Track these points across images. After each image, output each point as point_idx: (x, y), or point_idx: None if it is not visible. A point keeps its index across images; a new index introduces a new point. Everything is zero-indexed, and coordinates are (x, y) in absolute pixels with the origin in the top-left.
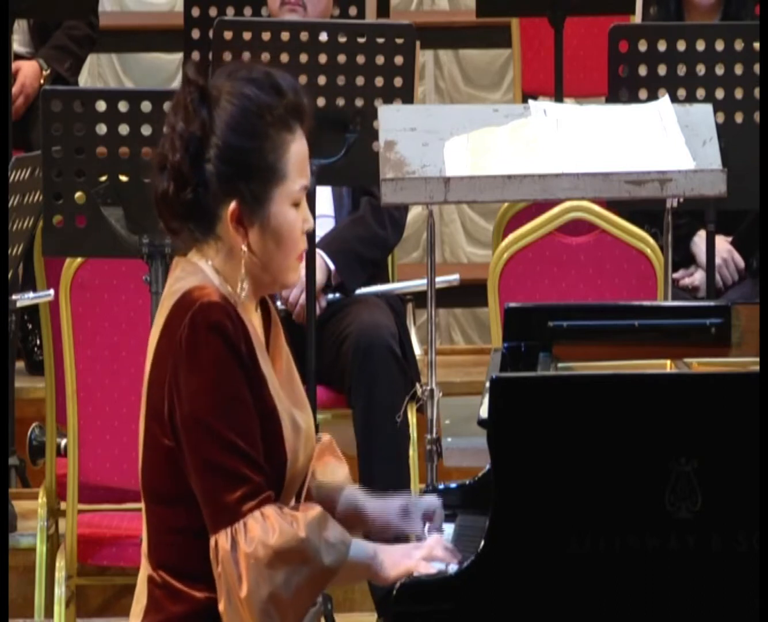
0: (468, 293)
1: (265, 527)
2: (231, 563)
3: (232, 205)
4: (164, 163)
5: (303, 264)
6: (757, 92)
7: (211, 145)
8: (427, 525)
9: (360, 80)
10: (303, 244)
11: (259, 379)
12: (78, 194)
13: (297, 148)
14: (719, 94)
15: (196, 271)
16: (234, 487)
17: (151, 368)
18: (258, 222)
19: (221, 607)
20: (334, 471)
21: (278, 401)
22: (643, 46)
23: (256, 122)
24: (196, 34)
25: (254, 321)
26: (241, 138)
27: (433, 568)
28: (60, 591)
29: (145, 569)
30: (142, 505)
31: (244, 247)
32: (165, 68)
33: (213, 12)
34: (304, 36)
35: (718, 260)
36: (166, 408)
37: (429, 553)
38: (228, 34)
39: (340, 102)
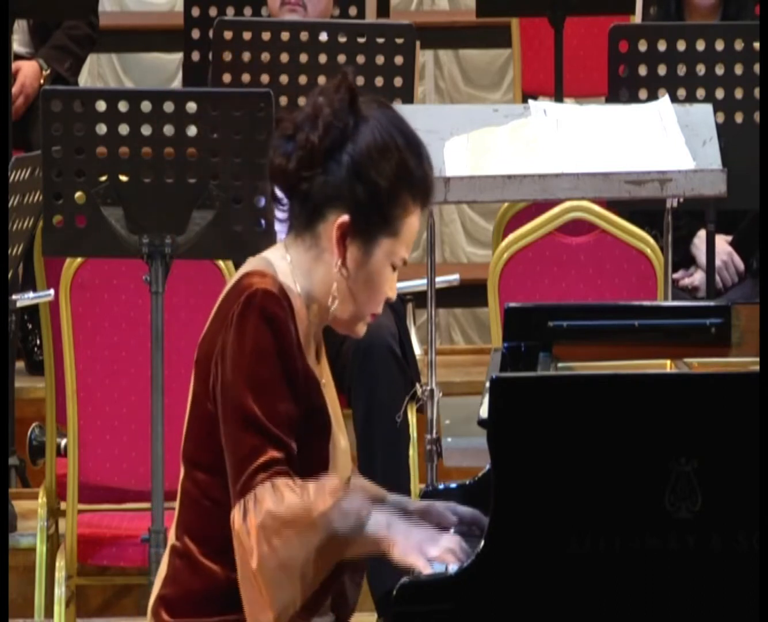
0: (468, 293)
1: (275, 498)
2: (243, 533)
3: (345, 217)
4: (293, 134)
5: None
6: (757, 92)
7: (347, 149)
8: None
9: (360, 80)
10: (381, 308)
11: (306, 374)
12: (78, 194)
13: (414, 221)
14: (719, 94)
15: (262, 260)
16: (251, 459)
17: (203, 338)
18: (359, 251)
19: (239, 578)
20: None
21: (328, 402)
22: (643, 46)
23: (392, 163)
24: (196, 34)
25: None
26: (376, 166)
27: (433, 569)
28: (60, 591)
29: (170, 539)
30: (181, 471)
31: (339, 262)
32: (165, 68)
33: (213, 12)
34: (304, 36)
35: (718, 262)
36: (212, 376)
37: (441, 555)
38: (228, 34)
39: None
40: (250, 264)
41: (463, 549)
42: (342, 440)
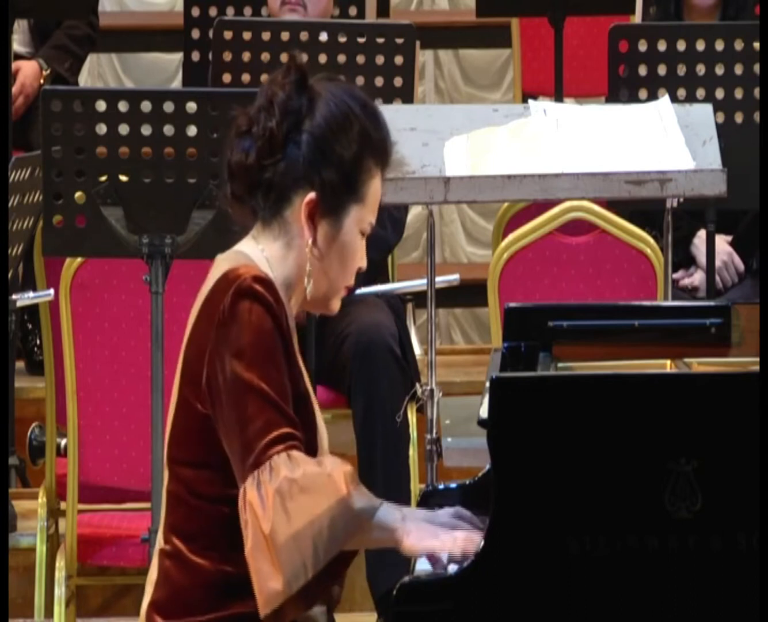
0: (468, 293)
1: (291, 465)
2: (257, 501)
3: (311, 195)
4: (249, 127)
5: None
6: (757, 92)
7: (305, 128)
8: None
9: (360, 80)
10: (353, 278)
11: (295, 362)
12: (78, 194)
13: (377, 184)
14: (719, 94)
15: (239, 255)
16: (264, 433)
17: (189, 338)
18: (329, 225)
19: (247, 549)
20: None
21: (311, 393)
22: (643, 46)
23: (351, 131)
24: (196, 34)
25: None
26: (337, 139)
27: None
28: (60, 591)
29: (158, 544)
30: (164, 470)
31: (310, 241)
32: (165, 68)
33: (213, 12)
34: (304, 36)
35: (718, 262)
36: (204, 375)
37: (452, 546)
38: (228, 34)
39: None
40: (229, 260)
41: (472, 545)
42: (322, 427)
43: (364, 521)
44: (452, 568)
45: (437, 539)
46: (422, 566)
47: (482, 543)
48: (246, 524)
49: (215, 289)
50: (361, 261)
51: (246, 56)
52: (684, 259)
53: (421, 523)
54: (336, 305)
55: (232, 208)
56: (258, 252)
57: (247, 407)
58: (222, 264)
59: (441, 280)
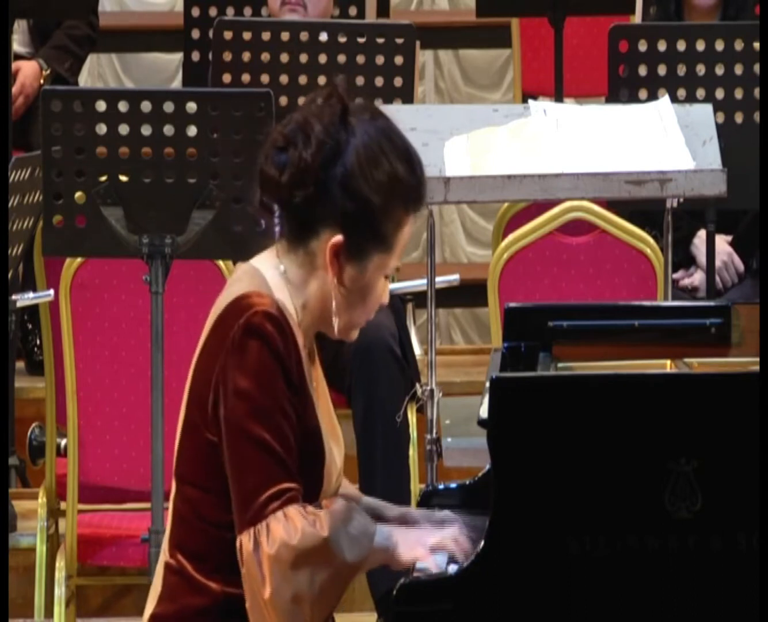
0: (468, 293)
1: (288, 528)
2: (254, 564)
3: (338, 238)
4: (285, 146)
5: None
6: (757, 92)
7: (338, 166)
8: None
9: (360, 80)
10: (373, 313)
11: (305, 397)
12: (78, 194)
13: (407, 231)
14: (719, 94)
15: (256, 277)
16: (262, 488)
17: (198, 361)
18: (353, 268)
19: (247, 605)
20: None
21: (322, 424)
22: (643, 46)
23: (382, 179)
24: (196, 34)
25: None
26: (366, 183)
27: (438, 567)
28: (60, 591)
29: (163, 555)
30: (172, 487)
31: (335, 280)
32: (165, 68)
33: (213, 12)
34: (304, 36)
35: (718, 262)
36: (210, 401)
37: (440, 542)
38: (228, 34)
39: None
40: (245, 281)
41: (461, 540)
42: (336, 453)
43: (361, 565)
44: (452, 568)
45: (423, 547)
46: (422, 566)
47: (481, 543)
48: (244, 578)
49: (226, 314)
50: (382, 298)
51: (246, 56)
52: (684, 259)
53: (406, 533)
54: (355, 335)
55: (258, 213)
56: (278, 274)
57: (246, 455)
58: (237, 283)
59: (441, 280)
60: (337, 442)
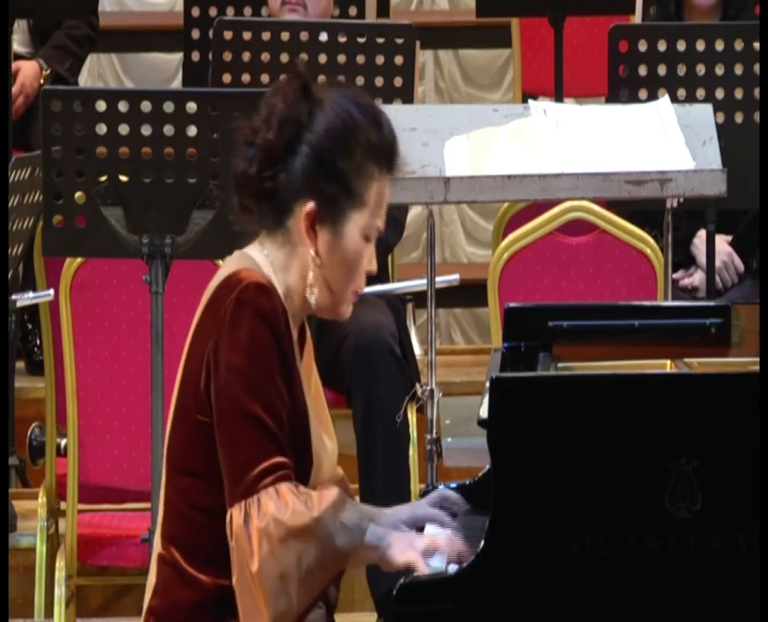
0: (468, 293)
1: (279, 504)
2: (244, 537)
3: (310, 205)
4: (253, 139)
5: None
6: (757, 92)
7: (304, 140)
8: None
9: (360, 80)
10: (362, 282)
11: (293, 373)
12: (78, 194)
13: (381, 188)
14: (719, 94)
15: (244, 258)
16: (254, 462)
17: (191, 342)
18: (330, 233)
19: (234, 580)
20: None
21: (309, 407)
22: (643, 46)
23: (352, 140)
24: (196, 34)
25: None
26: (336, 148)
27: (428, 568)
28: (60, 591)
29: (156, 547)
30: (163, 478)
31: (312, 251)
32: (165, 68)
33: (213, 12)
34: (304, 36)
35: (717, 262)
36: (203, 380)
37: (431, 543)
38: (228, 34)
39: None
40: (234, 262)
41: (453, 541)
42: (327, 441)
43: (350, 554)
44: (452, 568)
45: (414, 550)
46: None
47: (481, 543)
48: (232, 551)
49: (217, 294)
50: (369, 265)
51: (246, 56)
52: (684, 259)
53: (398, 536)
54: (346, 311)
55: (240, 217)
56: (263, 257)
57: (239, 430)
58: (226, 266)
59: (441, 280)
60: (328, 433)
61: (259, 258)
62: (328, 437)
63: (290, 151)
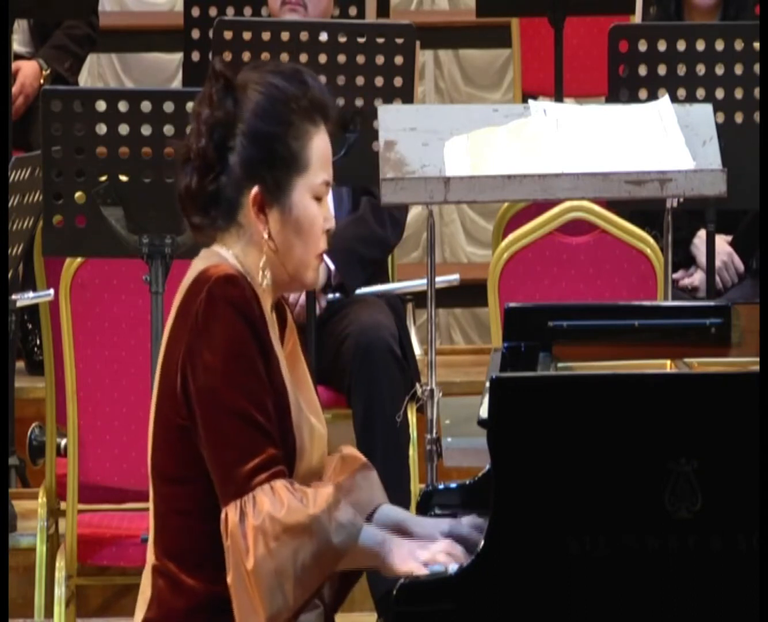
0: (468, 293)
1: (274, 501)
2: (239, 535)
3: (254, 190)
4: (188, 155)
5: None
6: (757, 92)
7: (237, 133)
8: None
9: (360, 80)
10: (323, 243)
11: (272, 358)
12: (78, 194)
13: (320, 142)
14: (719, 94)
15: (211, 255)
16: (246, 459)
17: (166, 346)
18: (279, 209)
19: (229, 579)
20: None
21: (289, 387)
22: (643, 46)
23: (281, 109)
24: (196, 34)
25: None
26: (266, 124)
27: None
28: (60, 591)
29: (150, 560)
30: (150, 488)
31: (265, 234)
32: (165, 68)
33: (213, 12)
34: (304, 36)
35: (717, 262)
36: (179, 383)
37: (432, 557)
38: (228, 34)
39: (340, 102)
40: (201, 261)
41: (456, 551)
42: (316, 424)
43: (346, 553)
44: (452, 568)
45: (416, 561)
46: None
47: (481, 543)
48: (228, 550)
49: (188, 296)
50: (326, 223)
51: (246, 56)
52: (684, 259)
53: (399, 543)
54: (312, 277)
55: (197, 238)
56: (225, 251)
57: (227, 428)
58: (194, 266)
59: (441, 280)
60: (317, 415)
61: (224, 253)
62: (318, 420)
63: (225, 151)
